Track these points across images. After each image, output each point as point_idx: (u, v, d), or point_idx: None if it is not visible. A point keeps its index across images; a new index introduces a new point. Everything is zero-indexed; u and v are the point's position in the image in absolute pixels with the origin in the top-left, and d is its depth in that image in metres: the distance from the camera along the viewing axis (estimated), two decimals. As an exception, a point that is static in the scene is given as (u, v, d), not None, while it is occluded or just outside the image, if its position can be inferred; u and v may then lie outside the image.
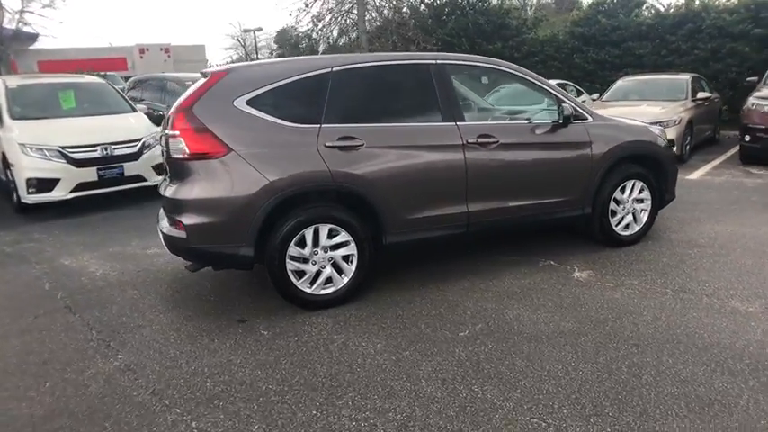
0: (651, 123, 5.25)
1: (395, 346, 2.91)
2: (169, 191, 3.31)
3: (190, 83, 9.52)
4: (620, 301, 3.38)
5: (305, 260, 3.28)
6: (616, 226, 4.32)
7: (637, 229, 4.42)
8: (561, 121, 3.87)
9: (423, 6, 16.19)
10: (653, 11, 14.32)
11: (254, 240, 3.14)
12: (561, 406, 2.34)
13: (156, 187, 6.42)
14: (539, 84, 4.05)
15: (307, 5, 15.20)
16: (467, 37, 15.04)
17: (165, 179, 3.65)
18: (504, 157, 3.73)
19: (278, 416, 2.32)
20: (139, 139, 6.53)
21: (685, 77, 9.08)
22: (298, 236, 3.22)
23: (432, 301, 3.44)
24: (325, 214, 3.27)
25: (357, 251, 3.37)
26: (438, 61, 3.70)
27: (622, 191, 4.27)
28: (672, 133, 7.33)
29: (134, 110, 7.35)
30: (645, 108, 8.13)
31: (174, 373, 2.69)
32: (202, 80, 3.35)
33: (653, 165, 4.39)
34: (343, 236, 3.33)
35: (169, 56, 30.19)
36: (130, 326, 3.26)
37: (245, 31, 37.93)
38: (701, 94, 8.79)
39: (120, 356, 2.87)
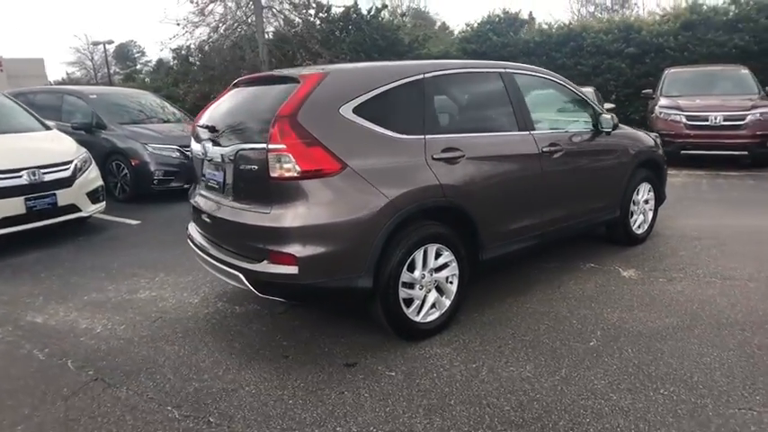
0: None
1: (548, 367, 2.71)
2: (263, 218, 2.71)
3: (94, 96, 8.21)
4: (688, 293, 3.59)
5: (412, 286, 2.94)
6: (633, 225, 4.63)
7: (646, 227, 4.78)
8: (610, 130, 4.06)
9: (318, 21, 15.91)
10: (537, 28, 15.80)
11: (373, 268, 2.72)
12: (750, 392, 2.41)
13: (86, 218, 5.52)
14: (579, 94, 4.20)
15: (203, 13, 13.97)
16: (364, 52, 15.15)
17: (216, 201, 3.15)
18: (568, 165, 3.78)
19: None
20: (70, 161, 5.37)
21: (589, 89, 10.16)
22: (409, 259, 2.87)
23: (528, 316, 3.31)
24: (434, 233, 2.96)
25: (458, 270, 3.11)
26: (507, 70, 3.65)
27: (637, 193, 4.59)
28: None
29: (48, 128, 6.02)
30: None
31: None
32: (290, 85, 2.85)
33: (656, 168, 4.80)
34: (446, 255, 3.05)
35: (1, 70, 26.04)
36: (213, 391, 2.59)
37: (95, 43, 33.98)
38: (607, 105, 9.89)
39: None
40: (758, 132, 7.87)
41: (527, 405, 2.40)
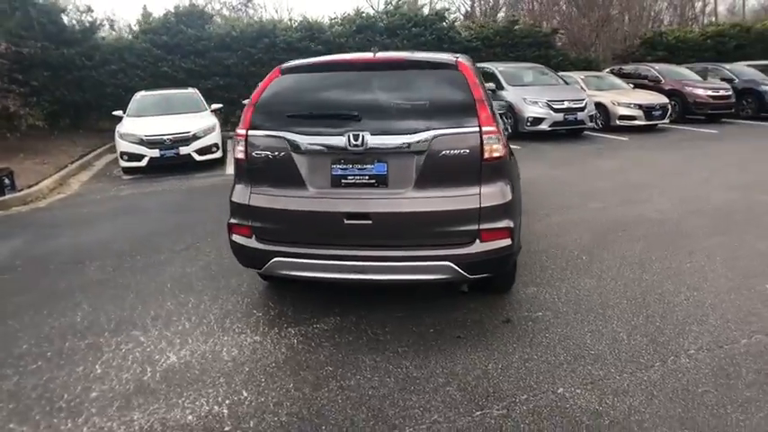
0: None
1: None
2: (472, 200, 2.89)
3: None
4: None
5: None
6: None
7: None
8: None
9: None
10: (223, 22, 15.83)
11: None
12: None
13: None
14: None
15: None
16: (34, 39, 12.13)
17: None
18: None
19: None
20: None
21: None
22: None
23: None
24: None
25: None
26: None
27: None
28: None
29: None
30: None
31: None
32: (448, 71, 3.08)
33: None
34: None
35: None
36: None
37: None
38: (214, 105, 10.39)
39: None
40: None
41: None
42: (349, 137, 2.92)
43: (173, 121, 8.96)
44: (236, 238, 3.25)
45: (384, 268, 2.97)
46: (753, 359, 2.80)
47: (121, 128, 8.90)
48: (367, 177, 2.98)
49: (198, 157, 8.81)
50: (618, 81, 13.49)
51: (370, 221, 2.93)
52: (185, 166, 8.82)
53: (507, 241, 3.00)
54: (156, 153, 8.51)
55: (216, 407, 2.54)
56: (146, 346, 3.16)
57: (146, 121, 8.99)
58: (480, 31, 16.92)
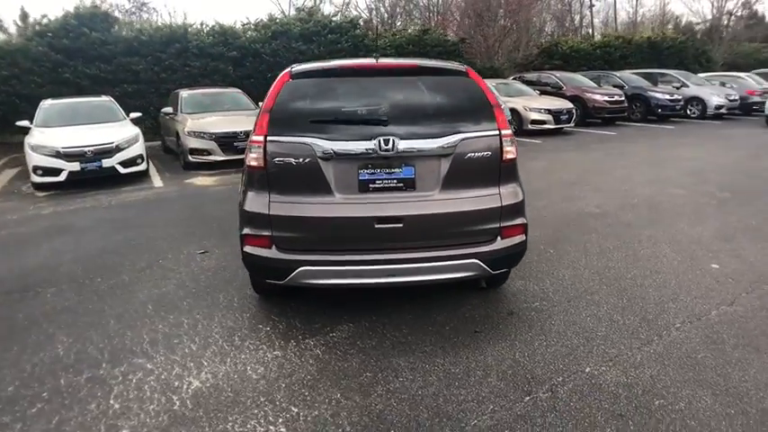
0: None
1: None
2: (494, 199, 3.10)
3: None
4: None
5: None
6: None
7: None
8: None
9: None
10: (130, 27, 14.68)
11: None
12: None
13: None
14: None
15: None
16: None
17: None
18: None
19: None
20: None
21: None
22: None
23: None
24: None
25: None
26: None
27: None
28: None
29: None
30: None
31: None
32: (460, 77, 3.23)
33: None
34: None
35: None
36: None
37: None
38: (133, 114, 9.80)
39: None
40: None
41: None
42: (379, 142, 2.94)
43: (91, 132, 8.20)
44: (250, 249, 3.12)
45: (415, 270, 3.02)
46: (727, 327, 3.27)
47: (32, 139, 7.96)
48: (395, 181, 3.02)
49: (122, 170, 8.14)
50: (525, 88, 14.59)
51: (401, 224, 2.97)
52: (108, 179, 8.13)
53: (522, 237, 3.24)
54: (75, 167, 7.73)
55: (272, 427, 2.45)
56: (158, 373, 2.93)
57: (60, 132, 8.13)
58: (394, 39, 17.41)
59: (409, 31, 19.31)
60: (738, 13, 32.57)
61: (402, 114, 3.07)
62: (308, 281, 3.05)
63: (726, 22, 32.25)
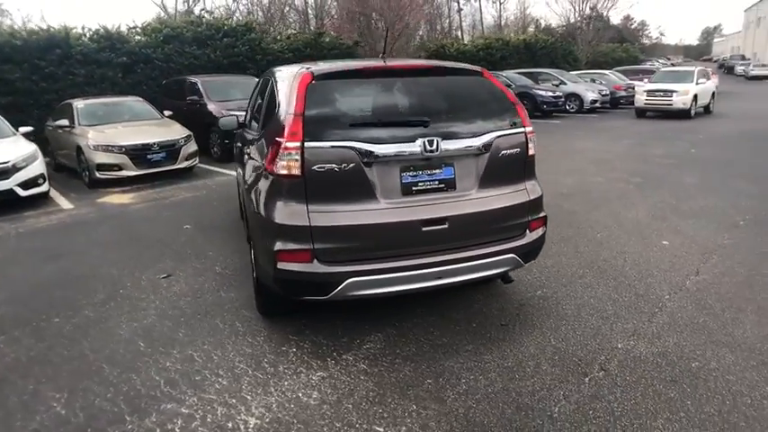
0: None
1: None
2: (523, 194, 3.23)
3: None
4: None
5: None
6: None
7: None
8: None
9: None
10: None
11: None
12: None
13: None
14: None
15: None
16: None
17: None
18: None
19: None
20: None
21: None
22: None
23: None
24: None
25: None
26: None
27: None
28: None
29: None
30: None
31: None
32: (476, 77, 3.29)
33: None
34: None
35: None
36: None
37: None
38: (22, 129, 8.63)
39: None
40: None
41: (565, 272, 4.22)
42: (424, 143, 2.90)
43: (-23, 152, 7.00)
44: (287, 266, 2.89)
45: (460, 270, 3.02)
46: (706, 293, 3.75)
47: None
48: (437, 182, 2.99)
49: (23, 192, 7.04)
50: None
51: (445, 225, 2.95)
52: (4, 204, 7.01)
53: (544, 228, 3.43)
54: (-37, 193, 6.55)
55: (368, 450, 2.33)
56: (201, 417, 2.62)
57: (-65, 155, 6.83)
58: (291, 42, 17.07)
59: (292, 33, 18.97)
60: (592, 18, 36.98)
61: (438, 115, 3.06)
62: (355, 293, 2.91)
63: (583, 26, 36.39)
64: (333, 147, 2.83)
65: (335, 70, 3.15)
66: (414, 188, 2.97)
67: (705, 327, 3.28)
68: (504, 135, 3.15)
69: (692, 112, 15.29)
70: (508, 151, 3.15)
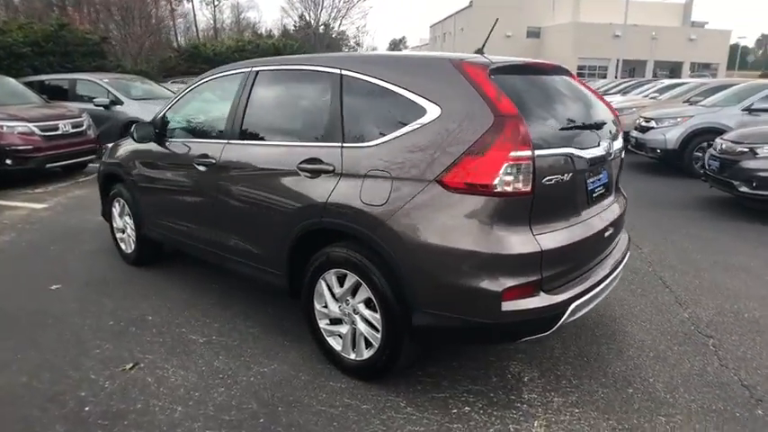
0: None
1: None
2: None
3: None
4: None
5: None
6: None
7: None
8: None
9: None
10: None
11: None
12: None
13: None
14: None
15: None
16: None
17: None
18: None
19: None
20: None
21: None
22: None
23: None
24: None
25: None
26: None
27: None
28: None
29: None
30: None
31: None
32: (567, 77, 2.95)
33: None
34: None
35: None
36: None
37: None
38: None
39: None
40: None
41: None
42: (609, 145, 2.75)
43: None
44: (512, 305, 2.24)
45: (619, 271, 2.90)
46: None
47: None
48: (603, 188, 2.82)
49: None
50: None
51: (613, 229, 2.85)
52: None
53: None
54: None
55: None
56: None
57: None
58: (26, 34, 13.31)
59: (24, 23, 14.96)
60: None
61: (598, 113, 2.91)
62: (571, 319, 2.46)
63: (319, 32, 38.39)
64: (556, 155, 2.39)
65: (514, 63, 2.62)
66: (593, 195, 2.73)
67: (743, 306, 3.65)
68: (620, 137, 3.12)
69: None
70: (621, 154, 3.11)
